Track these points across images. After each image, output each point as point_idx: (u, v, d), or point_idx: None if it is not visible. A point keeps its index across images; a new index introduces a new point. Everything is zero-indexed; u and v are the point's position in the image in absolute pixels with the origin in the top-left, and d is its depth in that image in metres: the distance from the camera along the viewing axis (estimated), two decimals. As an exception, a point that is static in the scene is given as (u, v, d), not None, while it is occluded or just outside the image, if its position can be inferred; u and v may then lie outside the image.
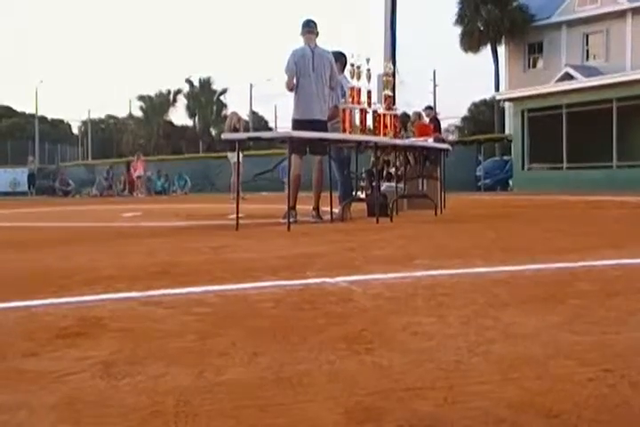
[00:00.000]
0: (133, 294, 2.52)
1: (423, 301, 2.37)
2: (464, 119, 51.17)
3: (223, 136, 7.12)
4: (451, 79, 60.35)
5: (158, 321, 2.09)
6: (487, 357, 1.63)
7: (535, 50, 36.17)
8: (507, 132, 30.29)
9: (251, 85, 38.75)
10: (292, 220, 6.02)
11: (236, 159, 17.38)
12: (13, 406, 1.32)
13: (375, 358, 1.64)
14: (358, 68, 6.66)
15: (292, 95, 7.06)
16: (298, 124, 6.90)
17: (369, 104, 6.85)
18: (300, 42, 7.06)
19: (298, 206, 6.48)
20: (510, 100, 23.27)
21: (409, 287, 2.67)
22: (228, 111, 51.13)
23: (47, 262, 3.79)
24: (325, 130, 6.96)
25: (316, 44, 7.01)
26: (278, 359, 1.63)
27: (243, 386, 1.43)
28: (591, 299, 2.34)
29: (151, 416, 1.25)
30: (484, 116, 44.22)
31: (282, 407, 1.30)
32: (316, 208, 6.93)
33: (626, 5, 31.39)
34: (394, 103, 7.41)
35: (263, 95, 52.67)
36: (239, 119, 15.53)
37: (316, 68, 6.90)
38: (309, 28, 7.02)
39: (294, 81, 6.93)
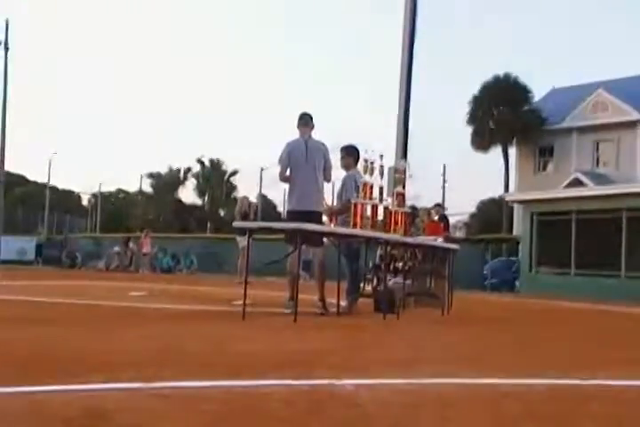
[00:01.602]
0: (139, 384, 2.48)
1: (432, 412, 2.33)
2: (472, 216, 51.50)
3: (234, 224, 7.20)
4: (460, 175, 61.21)
5: (164, 418, 2.06)
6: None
7: (546, 153, 36.66)
8: (514, 231, 30.37)
9: (261, 169, 39.34)
10: (290, 311, 5.99)
11: (244, 243, 17.44)
12: None
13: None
14: (372, 163, 6.78)
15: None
16: (292, 215, 6.93)
17: (380, 200, 6.93)
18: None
19: (303, 296, 6.44)
20: (520, 202, 23.49)
21: (416, 396, 2.63)
22: (238, 193, 51.94)
23: (54, 343, 3.77)
24: (320, 221, 7.02)
25: (310, 136, 7.14)
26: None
27: None
28: (604, 423, 2.29)
29: None
30: (491, 213, 44.48)
31: None
32: (322, 299, 6.87)
33: (635, 116, 32.09)
34: (404, 201, 7.49)
35: (273, 178, 53.14)
36: (250, 204, 15.72)
37: (309, 160, 6.99)
38: (304, 120, 7.17)
39: (287, 172, 7.03)
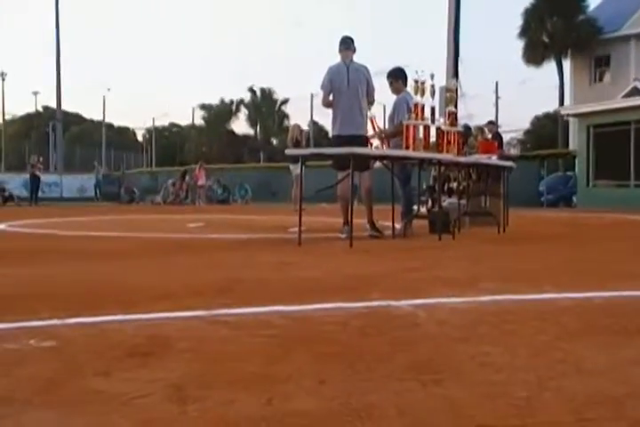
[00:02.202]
0: (200, 312, 2.55)
1: (490, 328, 2.33)
2: (526, 133, 50.32)
3: (287, 151, 7.18)
4: (513, 91, 59.46)
5: (225, 342, 2.11)
6: (559, 393, 1.59)
7: (602, 63, 35.26)
8: (570, 146, 29.63)
9: (312, 95, 38.91)
10: (345, 235, 6.02)
11: (298, 171, 17.43)
12: (89, 430, 1.35)
13: (444, 389, 1.62)
14: (422, 83, 6.62)
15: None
16: (337, 139, 6.90)
17: (432, 120, 6.80)
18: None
19: (358, 221, 6.46)
20: (575, 115, 22.80)
21: (475, 313, 2.63)
22: (290, 121, 51.76)
23: (116, 276, 3.88)
24: (365, 145, 6.97)
25: (351, 60, 7.07)
26: (346, 389, 1.62)
27: (311, 417, 1.43)
28: (667, 333, 2.26)
29: (222, 446, 1.26)
30: (546, 129, 43.38)
31: (351, 442, 1.29)
32: (371, 221, 6.89)
33: (701, 17, 30.47)
34: (457, 120, 7.34)
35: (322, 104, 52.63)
36: (301, 131, 15.62)
37: (351, 84, 6.94)
38: (346, 44, 7.10)
39: (330, 97, 7.02)
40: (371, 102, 7.24)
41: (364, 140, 7.04)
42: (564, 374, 1.75)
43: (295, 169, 13.80)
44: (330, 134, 7.63)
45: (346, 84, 6.95)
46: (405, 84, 7.55)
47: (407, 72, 7.68)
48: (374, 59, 7.31)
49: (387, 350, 2.01)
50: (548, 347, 2.05)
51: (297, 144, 14.67)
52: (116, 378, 1.72)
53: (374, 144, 7.49)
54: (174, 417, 1.43)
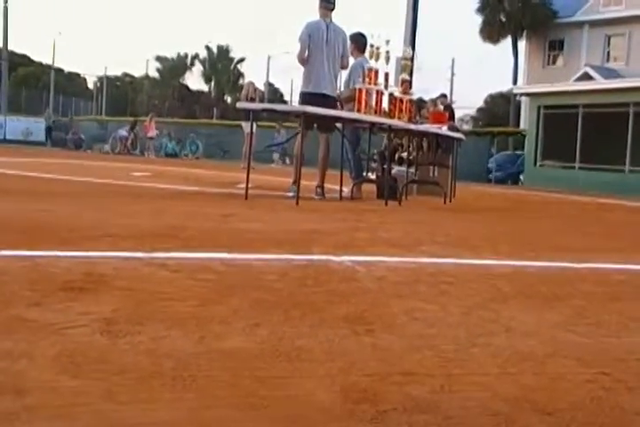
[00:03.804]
0: (139, 254, 2.52)
1: (426, 287, 2.37)
2: (479, 110, 50.84)
3: (238, 105, 7.04)
4: (469, 68, 59.81)
5: (162, 283, 2.10)
6: (486, 349, 1.63)
7: (556, 47, 35.90)
8: (521, 126, 30.07)
9: (269, 57, 38.59)
10: (292, 194, 6.00)
11: (249, 129, 17.28)
12: (15, 355, 1.33)
13: (374, 339, 1.65)
14: (377, 48, 6.57)
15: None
16: (308, 97, 6.75)
17: (386, 86, 6.78)
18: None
19: (305, 182, 6.45)
20: (528, 94, 23.08)
21: (413, 272, 2.67)
22: (245, 80, 51.01)
23: (56, 215, 3.80)
24: (335, 107, 6.89)
25: (331, 20, 6.87)
26: (278, 332, 1.63)
27: (242, 355, 1.44)
28: (593, 301, 2.33)
29: (150, 377, 1.26)
30: (499, 108, 43.91)
31: (279, 381, 1.31)
32: (321, 186, 6.86)
33: (650, 10, 31.07)
34: (410, 88, 7.34)
35: (280, 68, 52.10)
36: (255, 89, 15.43)
37: (329, 43, 6.76)
38: (328, 3, 6.85)
39: (306, 53, 6.77)
40: (343, 67, 7.09)
41: (335, 102, 6.95)
42: (493, 333, 1.79)
43: (247, 127, 13.65)
44: (285, 97, 7.47)
45: (324, 43, 6.75)
46: (363, 51, 7.43)
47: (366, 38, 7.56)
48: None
49: (322, 301, 2.03)
50: (480, 307, 2.10)
51: (251, 102, 14.49)
52: (47, 309, 1.70)
53: None
54: (104, 348, 1.42)
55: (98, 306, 1.75)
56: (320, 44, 6.74)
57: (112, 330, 1.55)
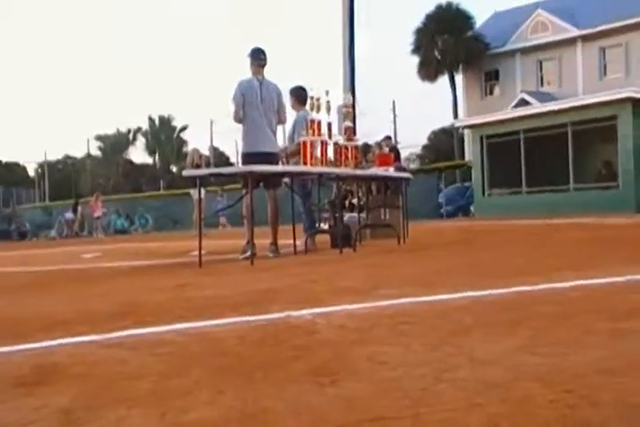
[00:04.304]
0: (93, 337, 2.47)
1: (387, 330, 2.37)
2: (424, 148, 51.83)
3: (184, 173, 7.05)
4: (410, 108, 61.21)
5: (119, 363, 2.05)
6: (453, 383, 1.63)
7: (492, 77, 37.14)
8: (467, 158, 30.73)
9: (211, 121, 38.91)
10: (248, 255, 5.98)
11: (197, 196, 17.28)
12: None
13: (340, 389, 1.63)
14: (318, 100, 6.67)
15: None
16: (248, 157, 6.76)
17: (330, 136, 6.86)
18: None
19: (257, 241, 6.44)
20: (469, 127, 23.70)
21: (373, 317, 2.67)
22: (189, 148, 51.25)
23: (5, 309, 3.71)
24: (276, 163, 6.93)
25: (263, 76, 6.91)
26: (242, 396, 1.61)
27: (207, 426, 1.41)
28: (550, 320, 2.36)
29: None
30: (443, 143, 44.89)
31: (246, 446, 1.28)
32: (275, 243, 6.82)
33: (575, 33, 32.50)
34: (354, 134, 7.46)
35: (223, 130, 52.71)
36: (200, 156, 15.51)
37: (264, 100, 6.79)
38: (260, 60, 6.90)
39: (241, 113, 6.79)
40: (282, 122, 7.12)
41: (276, 158, 6.97)
42: (458, 366, 1.79)
43: (195, 193, 13.62)
44: (231, 159, 7.47)
45: (259, 100, 6.76)
46: (304, 104, 7.52)
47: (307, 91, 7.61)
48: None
49: (285, 358, 2.01)
50: (442, 342, 2.10)
51: (197, 168, 14.55)
52: (1, 409, 1.64)
53: None
54: (63, 439, 1.37)
55: (54, 397, 1.70)
56: (255, 102, 6.77)
57: (71, 419, 1.50)
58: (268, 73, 7.00)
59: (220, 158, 40.11)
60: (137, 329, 2.59)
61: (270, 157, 6.69)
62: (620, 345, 1.95)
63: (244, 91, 6.78)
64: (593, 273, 3.59)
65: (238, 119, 6.85)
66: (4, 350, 2.34)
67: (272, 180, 6.78)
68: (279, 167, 6.75)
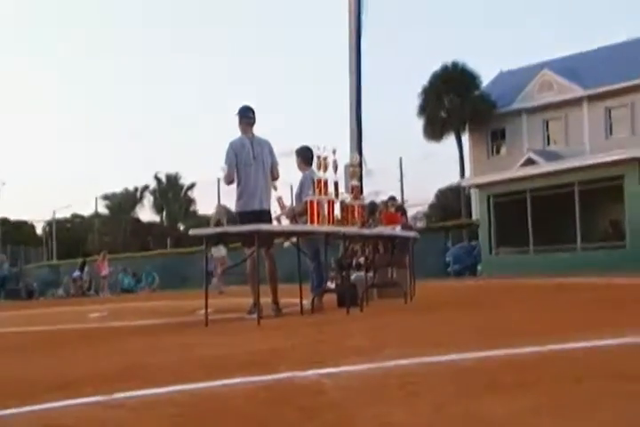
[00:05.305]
0: (99, 398, 2.45)
1: (394, 391, 2.35)
2: (431, 206, 51.90)
3: (191, 232, 7.07)
4: (417, 166, 61.52)
5: (125, 425, 2.04)
6: (460, 445, 1.61)
7: (498, 136, 37.36)
8: (474, 217, 30.69)
9: (218, 179, 39.26)
10: (253, 315, 5.95)
11: (219, 254, 17.13)
12: None
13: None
14: (325, 159, 6.75)
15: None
16: (244, 216, 6.79)
17: (336, 195, 6.90)
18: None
19: (263, 300, 6.41)
20: (476, 186, 23.83)
21: (379, 378, 2.65)
22: (197, 207, 51.70)
23: (13, 370, 3.69)
24: (271, 221, 6.96)
25: (253, 134, 6.98)
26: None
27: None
28: (561, 383, 2.34)
29: None
30: (450, 201, 44.89)
31: None
32: (276, 302, 6.75)
33: (581, 93, 32.94)
34: (361, 193, 7.50)
35: (230, 189, 52.95)
36: (227, 212, 15.50)
37: (257, 158, 6.85)
38: (249, 118, 6.98)
39: (235, 173, 6.85)
40: (275, 178, 7.15)
41: (270, 216, 7.01)
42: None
43: (217, 251, 13.75)
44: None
45: (252, 159, 6.82)
46: (310, 164, 7.59)
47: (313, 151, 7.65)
48: (277, 139, 7.29)
49: (291, 419, 2.00)
50: (449, 403, 2.09)
51: (217, 226, 14.58)
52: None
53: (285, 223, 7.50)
54: None
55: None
56: (248, 161, 6.82)
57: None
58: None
59: (228, 216, 40.29)
60: (143, 390, 2.58)
61: (262, 215, 6.71)
62: (635, 408, 1.93)
63: (236, 150, 6.85)
64: (603, 334, 3.56)
65: (229, 181, 6.92)
66: (11, 411, 2.33)
67: (265, 238, 6.78)
68: (285, 226, 6.77)
